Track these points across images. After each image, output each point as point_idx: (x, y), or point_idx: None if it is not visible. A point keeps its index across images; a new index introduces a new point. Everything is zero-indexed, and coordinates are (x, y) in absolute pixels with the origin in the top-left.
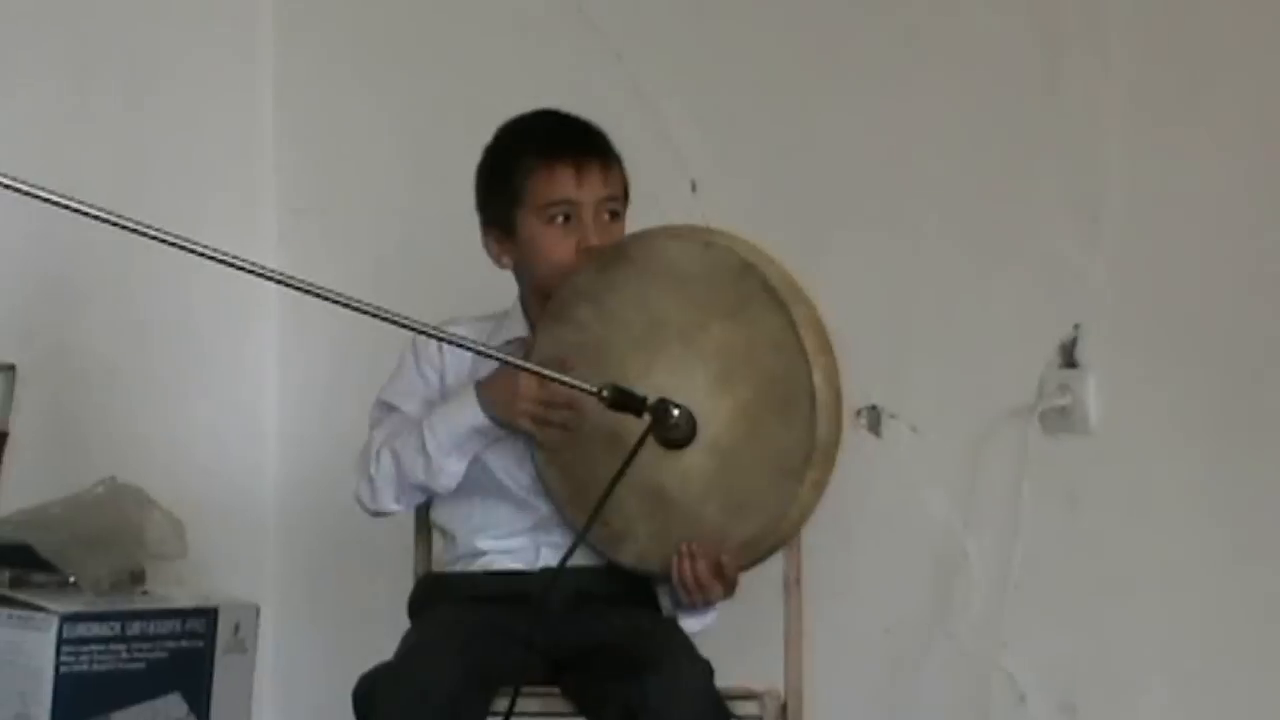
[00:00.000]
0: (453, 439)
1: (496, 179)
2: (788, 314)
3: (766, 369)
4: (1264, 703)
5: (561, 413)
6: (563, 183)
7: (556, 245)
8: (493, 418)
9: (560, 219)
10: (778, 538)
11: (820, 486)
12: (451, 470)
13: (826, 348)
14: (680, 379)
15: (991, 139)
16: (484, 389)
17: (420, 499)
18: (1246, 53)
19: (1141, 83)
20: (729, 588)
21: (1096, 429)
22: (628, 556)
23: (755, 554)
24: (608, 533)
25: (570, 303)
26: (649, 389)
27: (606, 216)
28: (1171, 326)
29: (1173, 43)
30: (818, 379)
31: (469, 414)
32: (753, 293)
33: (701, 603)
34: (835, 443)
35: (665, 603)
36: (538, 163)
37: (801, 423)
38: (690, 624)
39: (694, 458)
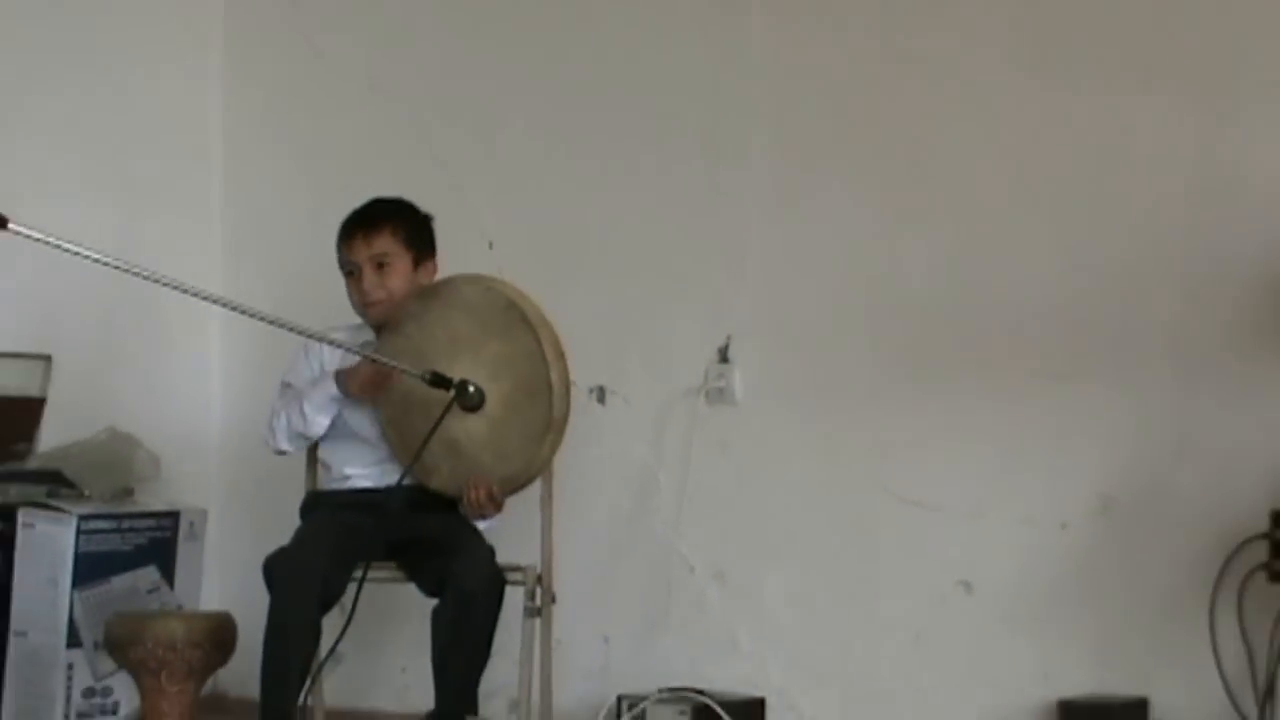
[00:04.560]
0: (317, 403)
1: None
2: (536, 336)
3: (522, 371)
4: (847, 570)
5: (379, 386)
6: (342, 250)
7: (351, 293)
8: (342, 390)
9: (351, 274)
10: (528, 476)
11: (555, 446)
12: (319, 423)
13: (561, 357)
14: (470, 374)
15: (676, 214)
16: (339, 375)
17: (303, 445)
18: (847, 157)
19: (774, 179)
20: (497, 508)
21: (740, 402)
22: (435, 483)
23: (514, 486)
24: (423, 468)
25: (403, 320)
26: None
27: (376, 267)
28: (790, 337)
29: (797, 151)
30: (554, 377)
31: (330, 389)
32: (514, 321)
33: (480, 517)
34: (565, 419)
35: (463, 513)
36: (338, 240)
37: (544, 405)
38: (479, 527)
39: (477, 424)
